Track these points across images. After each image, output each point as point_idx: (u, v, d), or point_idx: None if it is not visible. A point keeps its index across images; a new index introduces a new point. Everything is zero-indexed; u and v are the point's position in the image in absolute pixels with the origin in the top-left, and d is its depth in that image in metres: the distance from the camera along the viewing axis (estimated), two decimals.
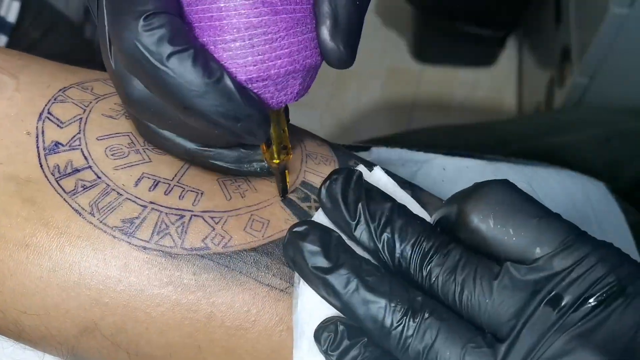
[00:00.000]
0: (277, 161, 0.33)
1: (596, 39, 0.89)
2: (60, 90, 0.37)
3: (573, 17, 1.00)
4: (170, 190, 0.33)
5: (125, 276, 0.32)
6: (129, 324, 0.32)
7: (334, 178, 0.32)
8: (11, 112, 0.35)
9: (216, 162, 0.35)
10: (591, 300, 0.26)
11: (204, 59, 0.28)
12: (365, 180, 0.33)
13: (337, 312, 0.30)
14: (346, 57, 0.31)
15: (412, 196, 0.35)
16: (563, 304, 0.27)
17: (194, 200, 0.33)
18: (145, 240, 0.32)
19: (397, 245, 0.30)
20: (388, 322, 0.28)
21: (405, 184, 0.38)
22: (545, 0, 1.20)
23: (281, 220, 0.34)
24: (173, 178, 0.34)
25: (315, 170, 0.37)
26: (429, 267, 0.29)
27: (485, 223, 0.29)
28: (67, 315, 0.32)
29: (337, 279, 0.29)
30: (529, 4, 1.31)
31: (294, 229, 0.31)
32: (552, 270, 0.27)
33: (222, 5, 0.29)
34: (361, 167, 0.35)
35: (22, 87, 0.36)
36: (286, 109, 0.35)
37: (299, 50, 0.30)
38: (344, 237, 0.31)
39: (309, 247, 0.30)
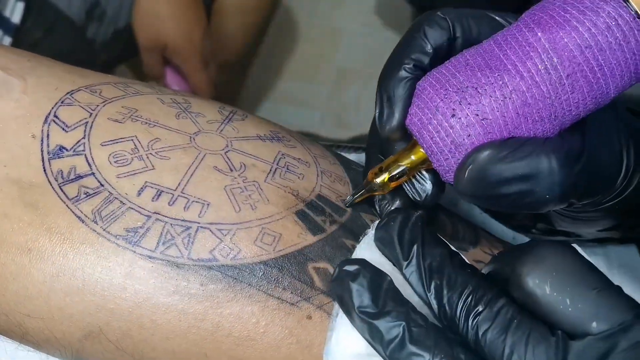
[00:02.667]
0: (372, 178, 0.34)
1: None
2: (68, 93, 0.36)
3: None
4: (174, 201, 0.33)
5: (130, 283, 0.31)
6: (135, 330, 0.32)
7: (392, 216, 0.32)
8: (18, 114, 0.35)
9: None
10: None
11: None
12: (422, 222, 0.32)
13: (373, 353, 0.30)
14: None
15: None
16: None
17: (200, 212, 0.33)
18: (150, 250, 0.32)
19: (445, 291, 0.29)
20: None
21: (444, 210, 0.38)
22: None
23: (294, 235, 0.34)
24: (177, 187, 0.34)
25: (330, 187, 0.37)
26: (476, 319, 0.28)
27: (542, 288, 0.28)
28: (72, 319, 0.32)
29: (383, 326, 0.29)
30: (529, 4, 1.31)
31: (345, 267, 0.30)
32: (609, 348, 0.26)
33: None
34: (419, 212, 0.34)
35: (29, 90, 0.36)
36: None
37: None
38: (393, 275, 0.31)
39: (359, 288, 0.29)
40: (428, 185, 0.34)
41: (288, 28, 1.46)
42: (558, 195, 0.30)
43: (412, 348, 0.28)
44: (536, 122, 0.30)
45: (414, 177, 0.34)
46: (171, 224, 0.32)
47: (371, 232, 0.33)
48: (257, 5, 1.04)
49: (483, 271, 0.31)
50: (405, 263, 0.31)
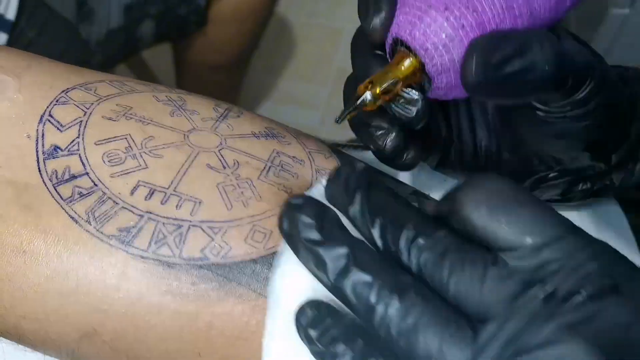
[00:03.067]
0: (363, 91, 0.34)
1: (596, 39, 0.89)
2: (62, 91, 0.36)
3: (573, 17, 1.00)
4: (166, 200, 0.33)
5: (123, 284, 0.32)
6: (129, 331, 0.32)
7: (338, 169, 0.32)
8: (12, 114, 0.35)
9: None
10: (583, 293, 0.26)
11: None
12: (369, 173, 0.32)
13: (318, 288, 0.30)
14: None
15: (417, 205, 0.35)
16: (553, 294, 0.26)
17: (192, 210, 0.33)
18: (142, 249, 0.32)
19: (389, 228, 0.29)
20: (373, 299, 0.28)
21: (417, 194, 0.38)
22: None
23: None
24: (169, 186, 0.34)
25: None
26: (417, 250, 0.29)
27: (477, 212, 0.28)
28: (67, 320, 0.32)
29: (327, 253, 0.29)
30: None
31: (291, 201, 0.30)
32: (542, 260, 0.27)
33: None
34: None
35: (24, 89, 0.36)
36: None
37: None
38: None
39: (304, 219, 0.30)
40: (417, 100, 0.35)
41: (288, 28, 1.46)
42: (554, 63, 0.33)
43: (356, 272, 0.28)
44: (516, 17, 0.33)
45: (401, 94, 0.35)
46: (163, 223, 0.32)
47: (318, 186, 0.34)
48: (252, 13, 1.04)
49: (429, 211, 0.31)
50: (350, 207, 0.31)
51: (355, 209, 0.30)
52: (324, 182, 0.33)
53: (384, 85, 0.34)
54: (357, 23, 0.37)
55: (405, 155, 0.39)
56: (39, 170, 0.33)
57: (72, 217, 0.32)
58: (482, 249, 0.28)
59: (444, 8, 0.32)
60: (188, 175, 0.34)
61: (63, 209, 0.32)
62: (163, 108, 0.38)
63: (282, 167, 0.37)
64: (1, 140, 0.34)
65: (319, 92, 1.36)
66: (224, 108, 0.40)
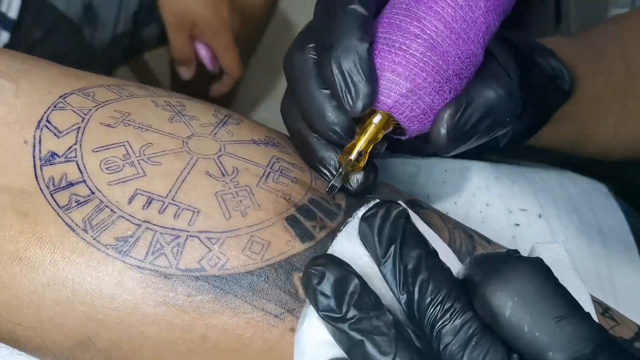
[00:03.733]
0: (344, 162, 0.36)
1: None
2: (60, 97, 0.36)
3: (573, 17, 1.00)
4: (164, 209, 0.33)
5: (119, 294, 0.31)
6: (124, 341, 0.32)
7: (373, 212, 0.32)
8: (9, 119, 0.35)
9: None
10: None
11: None
12: (404, 219, 0.32)
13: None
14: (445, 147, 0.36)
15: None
16: None
17: (190, 220, 0.33)
18: (139, 260, 0.32)
19: (416, 297, 0.29)
20: None
21: (412, 203, 0.38)
22: (545, 1, 1.19)
23: (282, 243, 0.33)
24: (167, 195, 0.33)
25: (323, 191, 0.37)
26: (440, 331, 0.29)
27: (502, 312, 0.28)
28: (62, 329, 0.32)
29: (345, 330, 0.29)
30: (529, 4, 1.30)
31: (311, 269, 0.30)
32: None
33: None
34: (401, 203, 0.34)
35: (22, 93, 0.36)
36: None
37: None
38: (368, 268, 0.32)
39: (322, 293, 0.29)
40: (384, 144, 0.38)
41: (288, 28, 1.46)
42: (513, 114, 0.38)
43: (372, 352, 0.28)
44: (465, 41, 0.36)
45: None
46: (161, 233, 0.32)
47: (353, 221, 0.34)
48: (250, 21, 1.04)
49: (459, 276, 0.31)
50: (383, 261, 0.31)
51: (387, 268, 0.31)
52: (356, 221, 0.33)
53: (365, 148, 0.36)
54: None
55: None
56: (36, 177, 0.33)
57: (68, 226, 0.32)
58: (503, 350, 0.28)
59: (421, 80, 0.35)
60: (186, 183, 0.34)
61: (60, 216, 0.32)
62: (162, 114, 0.38)
63: (281, 172, 0.37)
64: None
65: None
66: (223, 114, 0.40)
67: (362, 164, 0.36)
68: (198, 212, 0.33)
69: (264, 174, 0.36)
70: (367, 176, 0.37)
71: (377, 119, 0.36)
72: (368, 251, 0.32)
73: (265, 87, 1.44)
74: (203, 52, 0.91)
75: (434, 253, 0.31)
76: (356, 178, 0.37)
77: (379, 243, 0.31)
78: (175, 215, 0.33)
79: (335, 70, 0.34)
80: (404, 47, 0.35)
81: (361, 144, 0.36)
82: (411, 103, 0.35)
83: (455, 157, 0.56)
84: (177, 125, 0.37)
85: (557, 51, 0.49)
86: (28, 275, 0.32)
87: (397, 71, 0.34)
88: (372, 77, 0.34)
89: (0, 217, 0.32)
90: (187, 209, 0.33)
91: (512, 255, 0.29)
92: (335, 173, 0.37)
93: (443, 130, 0.35)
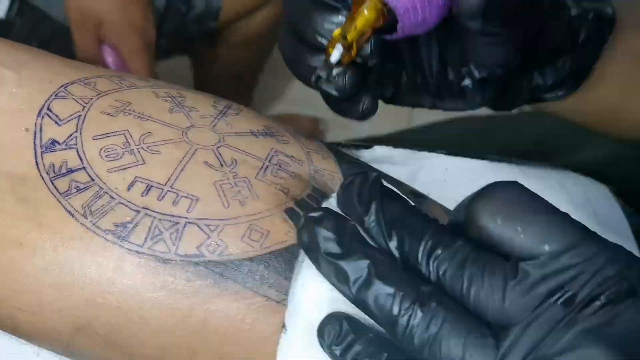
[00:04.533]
0: (330, 47, 0.34)
1: None
2: (62, 86, 0.36)
3: None
4: (163, 196, 0.33)
5: (118, 278, 0.31)
6: (123, 325, 0.32)
7: (350, 180, 0.32)
8: (11, 107, 0.35)
9: None
10: (601, 298, 0.26)
11: None
12: (382, 183, 0.32)
13: (339, 298, 0.30)
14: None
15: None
16: (572, 300, 0.27)
17: (189, 207, 0.33)
18: (138, 245, 0.32)
19: (406, 240, 0.30)
20: (395, 310, 0.28)
21: (415, 194, 0.38)
22: None
23: (282, 232, 0.33)
24: (166, 182, 0.33)
25: (322, 185, 0.37)
26: (436, 261, 0.29)
27: (493, 221, 0.29)
28: (62, 313, 0.32)
29: (349, 266, 0.29)
30: None
31: (310, 214, 0.31)
32: (561, 267, 0.27)
33: None
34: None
35: (23, 82, 0.36)
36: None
37: None
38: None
39: (324, 232, 0.30)
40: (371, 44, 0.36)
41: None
42: None
43: (378, 283, 0.29)
44: None
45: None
46: (159, 219, 0.32)
47: (332, 199, 0.34)
48: (259, 38, 1.05)
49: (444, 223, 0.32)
50: (366, 219, 0.31)
51: (370, 220, 0.31)
52: (332, 198, 0.33)
53: (355, 37, 0.33)
54: None
55: (362, 101, 0.39)
56: (37, 164, 0.33)
57: (68, 211, 0.32)
58: (500, 259, 0.28)
59: None
60: (185, 172, 0.34)
61: (60, 202, 0.32)
62: (162, 104, 0.38)
63: (279, 166, 0.37)
64: None
65: (316, 93, 1.35)
66: (223, 105, 0.40)
67: (350, 56, 0.34)
68: (197, 199, 0.33)
69: (262, 167, 0.36)
70: (355, 74, 0.36)
71: (367, 5, 0.33)
72: (350, 214, 0.32)
73: (277, 93, 1.45)
74: (110, 58, 0.83)
75: (414, 206, 0.32)
76: (344, 77, 0.36)
77: (359, 203, 0.31)
78: (174, 202, 0.33)
79: None
80: None
81: (350, 32, 0.33)
82: None
83: (456, 155, 0.56)
84: (177, 115, 0.37)
85: None
86: (28, 259, 0.32)
87: None
88: None
89: (0, 202, 0.32)
90: (185, 197, 0.33)
91: (488, 184, 0.30)
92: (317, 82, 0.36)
93: None
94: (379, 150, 0.55)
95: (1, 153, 0.34)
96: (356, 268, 0.29)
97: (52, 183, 0.33)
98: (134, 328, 0.32)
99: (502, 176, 0.57)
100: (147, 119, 0.36)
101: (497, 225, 0.29)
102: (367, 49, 0.35)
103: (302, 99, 1.42)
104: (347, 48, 0.34)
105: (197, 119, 0.38)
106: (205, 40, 1.00)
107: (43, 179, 0.33)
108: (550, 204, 0.29)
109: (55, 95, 0.36)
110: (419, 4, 0.33)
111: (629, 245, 0.53)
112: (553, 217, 0.28)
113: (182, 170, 0.34)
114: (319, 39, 0.36)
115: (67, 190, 0.32)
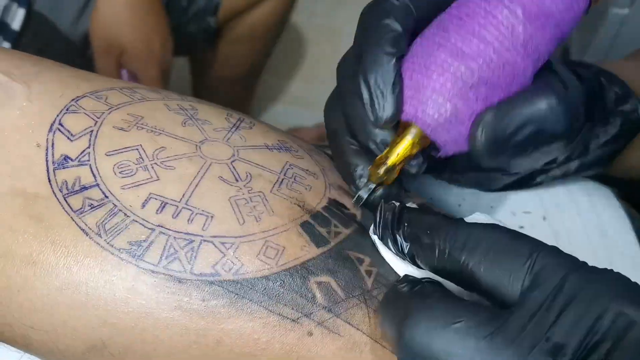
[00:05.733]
0: (373, 175, 0.35)
1: (596, 39, 0.89)
2: (72, 100, 0.36)
3: None
4: (178, 213, 0.33)
5: (132, 298, 0.31)
6: (137, 345, 0.32)
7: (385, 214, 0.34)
8: (21, 123, 0.34)
9: None
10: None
11: None
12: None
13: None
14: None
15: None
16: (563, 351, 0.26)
17: (204, 225, 0.33)
18: (153, 264, 0.31)
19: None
20: None
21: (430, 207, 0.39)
22: None
23: (297, 247, 0.33)
24: (181, 199, 0.33)
25: (337, 199, 0.37)
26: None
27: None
28: (75, 333, 0.32)
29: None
30: None
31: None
32: (532, 312, 0.27)
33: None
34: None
35: (34, 97, 0.35)
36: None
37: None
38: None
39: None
40: (419, 160, 0.36)
41: (288, 28, 1.46)
42: (563, 126, 0.34)
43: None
44: (512, 76, 0.33)
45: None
46: (174, 237, 0.32)
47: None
48: (267, 31, 1.04)
49: None
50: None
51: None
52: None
53: (396, 161, 0.35)
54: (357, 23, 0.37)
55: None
56: (49, 181, 0.33)
57: (82, 229, 0.32)
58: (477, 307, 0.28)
59: (446, 91, 0.33)
60: (200, 188, 0.34)
61: (73, 220, 0.32)
62: (174, 117, 0.37)
63: (295, 179, 0.36)
64: (10, 149, 0.34)
65: (321, 92, 1.35)
66: (236, 118, 0.39)
67: (392, 178, 0.35)
68: (212, 216, 0.33)
69: (277, 180, 0.36)
70: (388, 193, 0.37)
71: (411, 134, 0.34)
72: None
73: (277, 92, 1.44)
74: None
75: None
76: (379, 193, 0.37)
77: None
78: (189, 220, 0.32)
79: (361, 82, 0.34)
80: (452, 70, 0.33)
81: (392, 158, 0.35)
82: (451, 127, 0.34)
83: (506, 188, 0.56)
84: (190, 129, 0.37)
85: (621, 75, 0.47)
86: (41, 278, 0.31)
87: (444, 94, 0.33)
88: (395, 91, 0.34)
89: (13, 220, 0.32)
90: (200, 214, 0.33)
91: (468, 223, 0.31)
92: (359, 182, 0.37)
93: (481, 133, 0.33)
94: None
95: (12, 170, 0.33)
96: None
97: (66, 200, 0.32)
98: (147, 348, 0.31)
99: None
100: (160, 133, 0.36)
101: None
102: (415, 165, 0.36)
103: (302, 98, 1.42)
104: (389, 170, 0.35)
105: (211, 132, 0.37)
106: (203, 39, 1.00)
107: (56, 196, 0.32)
108: (531, 239, 0.29)
109: (67, 110, 0.35)
110: (458, 137, 0.34)
111: (632, 249, 0.53)
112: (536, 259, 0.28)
113: (196, 186, 0.34)
114: (370, 145, 0.36)
115: (81, 208, 0.32)
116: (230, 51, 1.04)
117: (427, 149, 0.36)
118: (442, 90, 0.33)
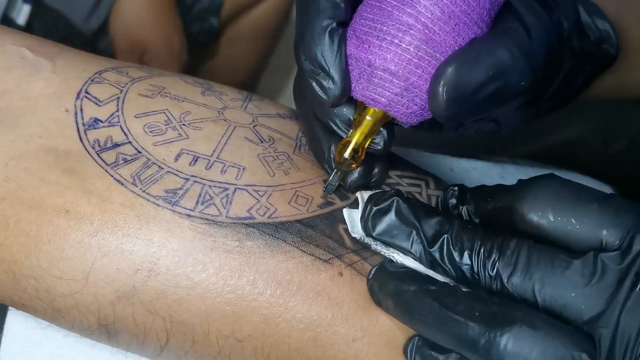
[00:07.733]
0: (341, 160, 0.33)
1: None
2: (96, 73, 0.37)
3: None
4: (211, 166, 0.34)
5: (168, 242, 0.32)
6: (170, 290, 0.32)
7: (372, 208, 0.33)
8: (49, 91, 0.35)
9: None
10: None
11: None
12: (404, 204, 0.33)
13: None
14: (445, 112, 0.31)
15: None
16: None
17: (237, 175, 0.34)
18: (189, 209, 0.32)
19: (456, 255, 0.30)
20: (479, 341, 0.28)
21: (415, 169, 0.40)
22: None
23: (325, 198, 0.35)
24: (212, 154, 0.34)
25: None
26: (495, 267, 0.29)
27: (546, 218, 0.29)
28: (107, 279, 0.32)
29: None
30: None
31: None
32: (634, 253, 0.27)
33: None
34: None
35: (58, 70, 0.36)
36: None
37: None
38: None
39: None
40: (383, 135, 0.34)
41: (288, 27, 1.47)
42: (529, 79, 0.32)
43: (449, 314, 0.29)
44: (467, 24, 0.31)
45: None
46: (209, 186, 0.33)
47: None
48: (269, 30, 1.06)
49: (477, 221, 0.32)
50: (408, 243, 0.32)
51: (416, 246, 0.32)
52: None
53: (361, 142, 0.33)
54: None
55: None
56: (80, 140, 0.34)
57: (117, 180, 0.32)
58: (563, 253, 0.29)
59: (391, 63, 0.31)
60: (229, 145, 0.35)
61: (108, 172, 0.33)
62: (193, 89, 0.39)
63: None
64: (39, 114, 0.34)
65: None
66: (245, 94, 0.41)
67: (360, 159, 0.33)
68: (244, 168, 0.34)
69: (296, 145, 0.37)
70: (364, 175, 0.35)
71: (370, 112, 0.33)
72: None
73: (277, 92, 1.45)
74: None
75: (451, 214, 0.32)
76: (353, 176, 0.35)
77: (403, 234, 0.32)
78: (222, 171, 0.34)
79: (304, 61, 0.32)
80: (396, 41, 0.31)
81: (355, 139, 0.33)
82: (407, 101, 0.32)
83: (461, 156, 0.57)
84: (210, 98, 0.38)
85: (606, 7, 0.42)
86: (75, 226, 0.32)
87: (390, 69, 0.31)
88: (340, 66, 0.32)
89: (46, 173, 0.33)
90: (232, 166, 0.34)
91: (525, 181, 0.31)
92: (332, 168, 0.35)
93: (441, 90, 0.30)
94: None
95: (43, 131, 0.34)
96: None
97: (99, 156, 0.33)
98: (181, 293, 0.32)
99: (508, 177, 0.58)
100: (183, 100, 0.37)
101: (550, 222, 0.29)
102: (381, 143, 0.34)
103: (289, 94, 1.43)
104: (356, 151, 0.33)
105: (229, 102, 0.39)
106: (204, 39, 1.01)
107: (88, 152, 0.33)
108: (595, 190, 0.29)
109: (92, 81, 0.37)
110: (424, 112, 0.33)
111: None
112: (604, 202, 0.29)
113: (225, 143, 0.35)
114: (332, 125, 0.34)
115: (115, 162, 0.33)
116: (233, 52, 1.05)
117: (393, 122, 0.34)
118: (389, 65, 0.31)
